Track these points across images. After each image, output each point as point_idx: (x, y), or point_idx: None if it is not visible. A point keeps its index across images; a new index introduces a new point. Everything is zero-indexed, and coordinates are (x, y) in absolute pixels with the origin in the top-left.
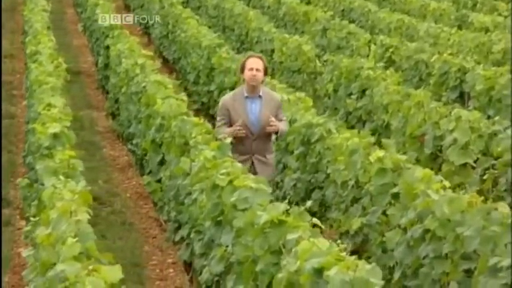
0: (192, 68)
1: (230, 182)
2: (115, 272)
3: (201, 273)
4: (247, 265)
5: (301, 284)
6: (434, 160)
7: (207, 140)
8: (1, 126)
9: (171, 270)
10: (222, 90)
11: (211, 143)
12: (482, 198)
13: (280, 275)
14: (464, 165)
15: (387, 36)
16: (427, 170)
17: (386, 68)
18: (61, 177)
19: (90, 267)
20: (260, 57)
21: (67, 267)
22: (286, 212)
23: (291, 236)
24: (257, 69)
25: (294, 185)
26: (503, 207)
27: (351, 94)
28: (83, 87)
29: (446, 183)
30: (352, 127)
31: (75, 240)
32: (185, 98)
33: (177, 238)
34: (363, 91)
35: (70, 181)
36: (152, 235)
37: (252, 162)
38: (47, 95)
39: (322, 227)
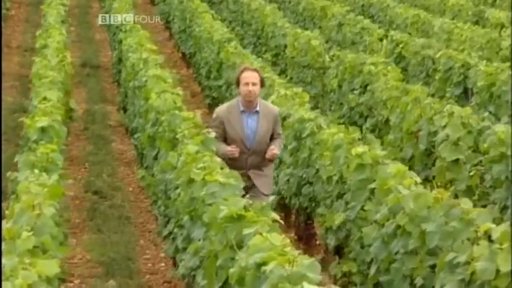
0: (204, 63)
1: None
2: (51, 267)
3: None
4: (210, 260)
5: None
6: (429, 156)
7: (192, 134)
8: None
9: (163, 264)
10: (229, 86)
11: (195, 137)
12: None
13: (232, 270)
14: (456, 161)
15: (404, 31)
16: (401, 166)
17: (396, 63)
18: (36, 170)
19: (27, 261)
20: (256, 70)
21: (4, 261)
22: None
23: (247, 231)
24: (253, 84)
25: (288, 180)
26: (465, 203)
27: (353, 89)
28: (100, 81)
29: (417, 179)
30: (355, 122)
31: (30, 234)
32: (181, 92)
33: (165, 233)
34: (365, 86)
35: (43, 175)
36: (149, 229)
37: (249, 177)
38: (45, 89)
39: (281, 222)
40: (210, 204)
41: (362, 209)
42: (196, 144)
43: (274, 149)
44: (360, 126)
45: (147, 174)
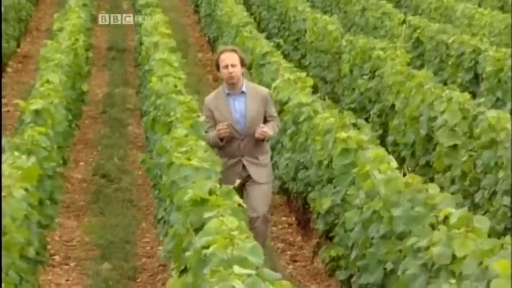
0: None
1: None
2: None
3: None
4: (177, 243)
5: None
6: (429, 141)
7: (185, 118)
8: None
9: (161, 247)
10: None
11: (185, 120)
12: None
13: (187, 253)
14: (455, 146)
15: (428, 16)
16: (380, 151)
17: (414, 48)
18: (16, 152)
19: None
20: (233, 50)
21: None
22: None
23: (207, 215)
24: (232, 65)
25: (287, 165)
26: (433, 188)
27: (363, 75)
28: (124, 65)
29: (394, 164)
30: (364, 107)
31: None
32: (183, 76)
33: (159, 216)
34: (375, 72)
35: (22, 157)
36: (152, 213)
37: (244, 165)
38: (49, 72)
39: (245, 206)
40: (181, 188)
41: (346, 193)
42: (186, 128)
43: (264, 127)
44: (369, 111)
45: (149, 158)
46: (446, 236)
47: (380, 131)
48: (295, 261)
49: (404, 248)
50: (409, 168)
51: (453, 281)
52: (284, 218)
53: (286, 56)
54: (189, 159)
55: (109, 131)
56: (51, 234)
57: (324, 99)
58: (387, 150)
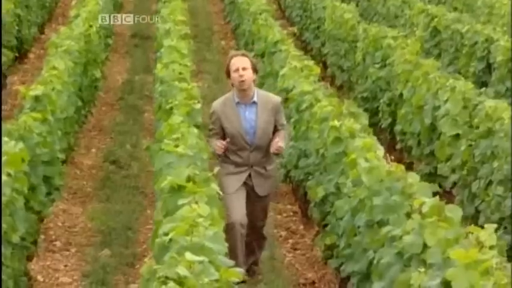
0: (242, 35)
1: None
2: None
3: None
4: (154, 230)
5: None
6: (433, 131)
7: (183, 105)
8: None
9: None
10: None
11: (182, 107)
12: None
13: (157, 240)
14: (457, 136)
15: (450, 6)
16: (368, 140)
17: (432, 38)
18: (6, 138)
19: None
20: (244, 54)
21: None
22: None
23: (181, 202)
24: (243, 68)
25: (290, 153)
26: (412, 177)
27: (375, 63)
28: (146, 52)
29: (380, 152)
30: (376, 96)
31: None
32: (189, 63)
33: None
34: (386, 60)
35: (9, 142)
36: None
37: (250, 175)
38: (56, 58)
39: (221, 193)
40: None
41: (338, 182)
42: (182, 115)
43: (279, 141)
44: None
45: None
46: (418, 225)
47: (389, 120)
48: (296, 249)
49: (381, 236)
50: (392, 157)
51: (422, 269)
52: (289, 206)
53: (307, 44)
54: (177, 146)
55: (124, 117)
56: (54, 220)
57: (341, 87)
58: (395, 139)
